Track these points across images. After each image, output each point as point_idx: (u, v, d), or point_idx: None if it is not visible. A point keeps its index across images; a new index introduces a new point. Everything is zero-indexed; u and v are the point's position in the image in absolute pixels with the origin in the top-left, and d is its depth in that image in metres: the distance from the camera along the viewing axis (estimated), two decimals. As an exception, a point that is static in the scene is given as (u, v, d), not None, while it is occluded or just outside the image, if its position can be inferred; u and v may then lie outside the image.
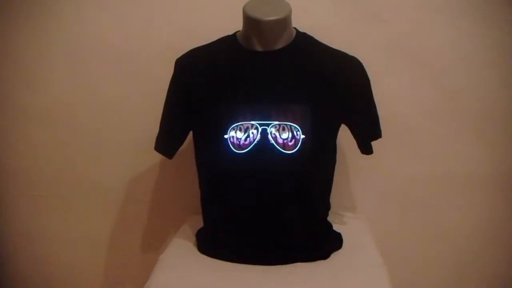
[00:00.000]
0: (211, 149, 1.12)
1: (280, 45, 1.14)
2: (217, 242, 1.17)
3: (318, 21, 1.35)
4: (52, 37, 1.48)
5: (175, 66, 1.19)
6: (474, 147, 1.48)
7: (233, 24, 1.21)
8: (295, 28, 1.19)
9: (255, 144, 1.08)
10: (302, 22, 1.21)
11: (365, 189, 1.52)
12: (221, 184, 1.14)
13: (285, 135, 1.08)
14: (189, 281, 1.06)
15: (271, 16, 1.11)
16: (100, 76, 1.50)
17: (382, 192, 1.52)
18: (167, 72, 1.20)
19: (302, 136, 1.08)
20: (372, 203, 1.53)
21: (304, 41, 1.18)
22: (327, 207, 1.25)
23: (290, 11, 1.15)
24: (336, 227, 1.26)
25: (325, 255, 1.15)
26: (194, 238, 1.23)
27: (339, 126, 1.19)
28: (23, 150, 1.56)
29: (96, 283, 1.64)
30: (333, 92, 1.12)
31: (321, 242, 1.17)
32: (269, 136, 1.08)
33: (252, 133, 1.08)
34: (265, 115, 1.08)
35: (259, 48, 1.14)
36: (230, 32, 1.21)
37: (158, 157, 1.36)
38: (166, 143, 1.22)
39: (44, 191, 1.58)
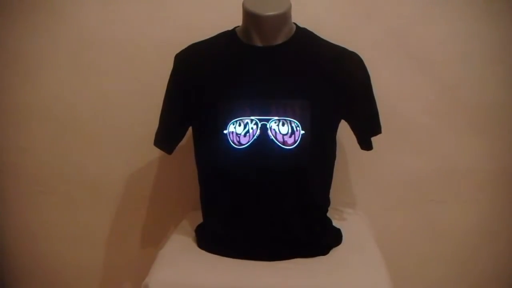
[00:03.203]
0: (211, 145, 1.12)
1: (279, 40, 1.14)
2: (216, 238, 1.16)
3: (317, 17, 1.35)
4: (53, 34, 1.48)
5: (174, 62, 1.19)
6: (474, 143, 1.48)
7: (232, 19, 1.20)
8: (295, 24, 1.19)
9: (255, 139, 1.08)
10: (301, 17, 1.20)
11: (365, 185, 1.52)
12: (221, 180, 1.13)
13: (284, 130, 1.08)
14: (189, 277, 1.06)
15: (270, 11, 1.11)
16: (99, 72, 1.50)
17: (382, 188, 1.52)
18: (167, 67, 1.19)
19: (302, 132, 1.08)
20: (372, 199, 1.52)
21: (304, 37, 1.17)
22: (326, 202, 1.24)
23: (290, 6, 1.15)
24: (335, 223, 1.26)
25: (324, 251, 1.15)
26: (193, 234, 1.23)
27: (339, 121, 1.19)
28: (23, 147, 1.56)
29: (95, 278, 1.64)
30: (333, 88, 1.12)
31: (320, 238, 1.17)
32: (269, 131, 1.08)
33: (252, 128, 1.08)
34: (264, 110, 1.08)
35: (258, 43, 1.13)
36: (230, 28, 1.20)
37: (157, 152, 1.36)
38: (166, 138, 1.22)
39: (44, 187, 1.58)
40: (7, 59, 1.51)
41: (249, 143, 1.08)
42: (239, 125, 1.08)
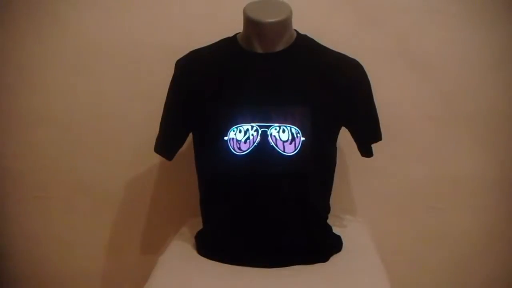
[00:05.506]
0: (211, 151, 1.12)
1: (280, 47, 1.14)
2: (216, 245, 1.16)
3: (318, 24, 1.35)
4: (53, 39, 1.48)
5: (175, 68, 1.19)
6: (474, 150, 1.48)
7: (233, 26, 1.20)
8: (295, 30, 1.19)
9: (255, 146, 1.08)
10: (302, 24, 1.21)
11: (365, 191, 1.52)
12: (221, 186, 1.13)
13: (285, 137, 1.08)
14: (188, 283, 1.06)
15: (271, 18, 1.11)
16: (100, 78, 1.50)
17: (382, 195, 1.52)
18: (167, 73, 1.20)
19: (302, 138, 1.08)
20: (372, 206, 1.52)
21: (304, 43, 1.18)
22: (327, 209, 1.24)
23: (291, 13, 1.15)
24: (336, 230, 1.25)
25: (324, 258, 1.14)
26: (193, 240, 1.23)
27: (339, 128, 1.19)
28: (23, 151, 1.56)
29: (95, 284, 1.63)
30: (333, 94, 1.12)
31: (320, 245, 1.16)
32: (269, 138, 1.08)
33: (252, 135, 1.08)
34: (265, 117, 1.08)
35: (259, 50, 1.13)
36: (231, 34, 1.21)
37: (157, 158, 1.36)
38: (166, 144, 1.22)
39: (44, 193, 1.58)
40: (8, 63, 1.51)
41: (249, 150, 1.08)
42: (240, 131, 1.08)
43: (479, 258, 1.55)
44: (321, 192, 1.20)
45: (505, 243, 1.53)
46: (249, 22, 1.14)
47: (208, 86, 1.14)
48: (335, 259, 1.15)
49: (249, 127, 1.08)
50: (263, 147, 1.08)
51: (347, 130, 1.21)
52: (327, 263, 1.14)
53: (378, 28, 1.42)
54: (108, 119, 1.52)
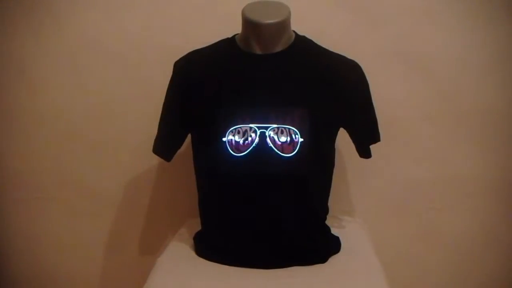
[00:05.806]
0: (210, 152, 1.12)
1: (279, 48, 1.14)
2: (214, 246, 1.16)
3: (316, 25, 1.35)
4: (52, 40, 1.48)
5: (173, 69, 1.19)
6: (473, 150, 1.48)
7: (232, 27, 1.20)
8: (294, 31, 1.19)
9: (254, 147, 1.08)
10: (301, 25, 1.21)
11: (363, 193, 1.52)
12: (219, 187, 1.13)
13: (283, 138, 1.08)
14: (187, 285, 1.06)
15: (270, 19, 1.12)
16: (99, 79, 1.50)
17: (380, 196, 1.52)
18: (166, 74, 1.20)
19: (301, 140, 1.08)
20: (371, 207, 1.52)
21: (303, 44, 1.18)
22: (325, 210, 1.24)
23: (289, 14, 1.15)
24: (334, 231, 1.25)
25: (323, 259, 1.14)
26: (191, 241, 1.23)
27: (338, 129, 1.19)
28: (22, 153, 1.56)
29: (93, 285, 1.63)
30: (331, 96, 1.12)
31: (319, 246, 1.16)
32: (268, 139, 1.08)
33: (251, 136, 1.08)
34: (263, 118, 1.08)
35: (258, 51, 1.14)
36: (229, 35, 1.21)
37: (156, 160, 1.36)
38: (165, 145, 1.22)
39: (43, 194, 1.58)
40: (8, 63, 1.51)
41: (248, 151, 1.08)
42: (238, 132, 1.08)
43: (478, 258, 1.55)
44: (319, 193, 1.20)
45: (504, 243, 1.53)
46: (247, 23, 1.14)
47: (207, 87, 1.14)
48: (333, 260, 1.16)
49: (248, 128, 1.08)
50: (262, 149, 1.08)
51: (345, 131, 1.21)
52: (325, 264, 1.14)
53: (376, 29, 1.42)
54: (107, 119, 1.52)
